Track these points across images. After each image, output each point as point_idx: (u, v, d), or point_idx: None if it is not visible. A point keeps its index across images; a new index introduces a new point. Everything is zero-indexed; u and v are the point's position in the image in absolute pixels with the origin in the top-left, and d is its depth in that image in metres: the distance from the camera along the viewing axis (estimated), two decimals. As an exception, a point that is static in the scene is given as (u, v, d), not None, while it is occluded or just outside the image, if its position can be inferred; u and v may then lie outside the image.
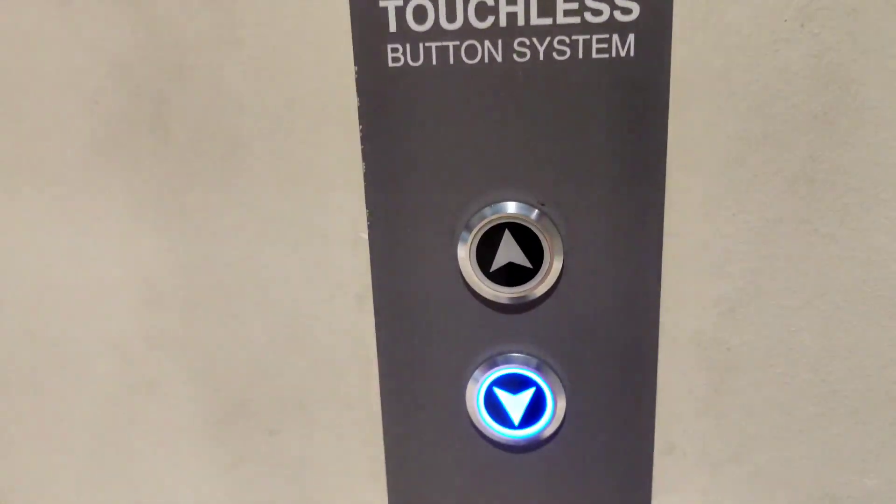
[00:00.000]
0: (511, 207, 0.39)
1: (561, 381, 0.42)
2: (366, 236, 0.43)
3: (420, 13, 0.37)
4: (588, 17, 0.36)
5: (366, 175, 0.40)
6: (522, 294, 0.40)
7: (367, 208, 0.41)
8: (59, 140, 0.45)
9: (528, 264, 0.40)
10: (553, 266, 0.40)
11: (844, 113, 0.39)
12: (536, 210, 0.39)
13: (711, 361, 0.44)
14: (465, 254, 0.40)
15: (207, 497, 0.51)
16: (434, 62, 0.38)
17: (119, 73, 0.43)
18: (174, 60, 0.42)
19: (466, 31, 0.37)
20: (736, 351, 0.43)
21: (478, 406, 0.43)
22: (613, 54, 0.37)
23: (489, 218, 0.39)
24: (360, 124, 0.40)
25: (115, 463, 0.51)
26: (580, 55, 0.37)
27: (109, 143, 0.44)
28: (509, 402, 0.43)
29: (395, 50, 0.38)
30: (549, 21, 0.37)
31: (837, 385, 0.43)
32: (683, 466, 0.46)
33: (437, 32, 0.37)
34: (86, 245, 0.47)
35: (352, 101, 0.41)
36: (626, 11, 0.36)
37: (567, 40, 0.37)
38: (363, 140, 0.40)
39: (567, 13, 0.36)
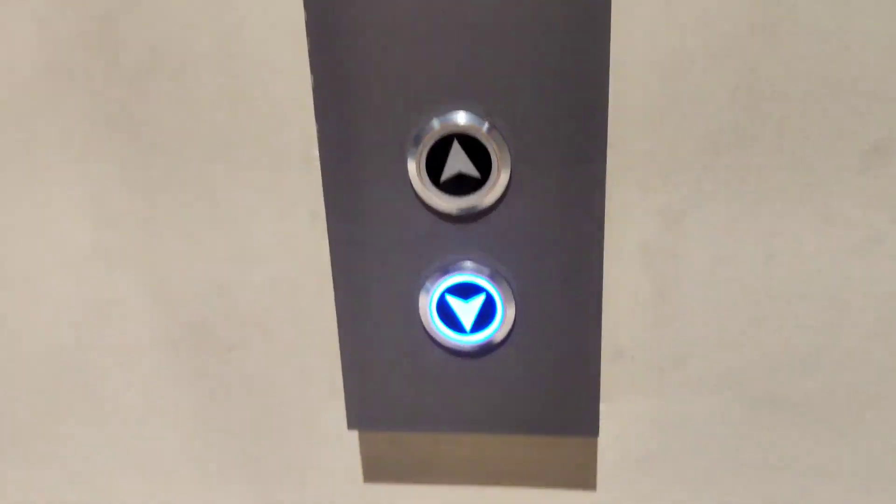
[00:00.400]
0: (459, 119, 0.40)
1: (511, 288, 0.43)
2: (317, 153, 0.44)
3: (362, -79, 0.37)
4: (530, -76, 0.37)
5: (314, 90, 0.41)
6: (472, 204, 0.41)
7: (317, 123, 0.41)
8: (7, 62, 0.45)
9: (476, 174, 0.41)
10: (501, 176, 0.41)
11: (783, 25, 0.40)
12: (484, 121, 0.40)
13: (657, 269, 0.45)
14: (414, 165, 0.41)
15: (168, 415, 0.52)
16: (379, -27, 0.38)
17: (63, -12, 0.43)
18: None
19: (410, -61, 0.37)
20: (681, 258, 0.45)
21: (430, 313, 0.44)
22: (556, -37, 0.37)
23: (438, 128, 0.40)
24: (308, 39, 0.40)
25: (76, 386, 0.52)
26: (523, -36, 0.37)
27: (58, 65, 0.44)
28: (461, 308, 0.44)
29: (339, -40, 0.38)
30: (492, -70, 0.37)
31: (779, 289, 0.45)
32: (631, 372, 0.48)
33: (380, -59, 0.37)
34: (37, 167, 0.47)
35: (299, 16, 0.41)
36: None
37: (510, -51, 0.37)
38: (311, 54, 0.40)
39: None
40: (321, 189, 0.44)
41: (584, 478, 0.51)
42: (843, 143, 0.42)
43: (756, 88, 0.41)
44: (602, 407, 0.49)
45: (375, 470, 0.52)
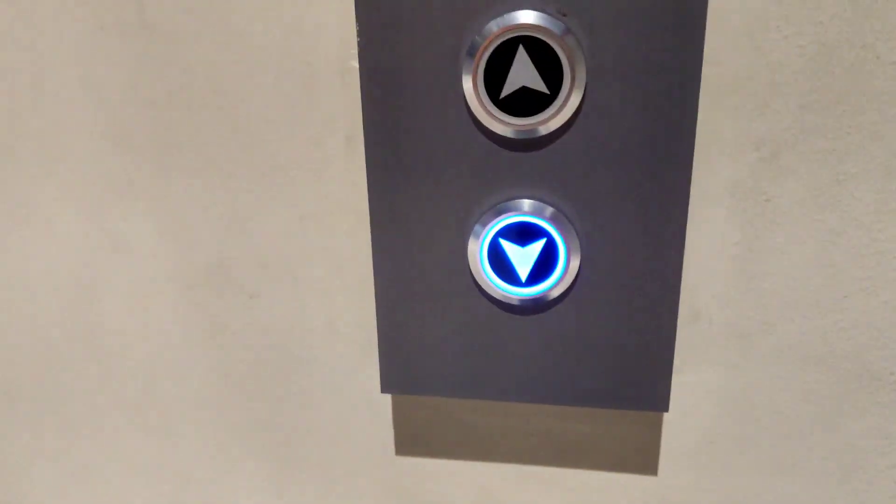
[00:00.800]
0: (526, 18, 0.33)
1: (576, 232, 0.37)
2: (356, 64, 0.38)
3: None
4: None
5: (356, -17, 0.34)
6: (536, 127, 0.35)
7: (357, 25, 0.35)
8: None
9: (544, 89, 0.34)
10: (574, 93, 0.34)
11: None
12: (557, 21, 0.33)
13: (748, 215, 0.39)
14: (470, 76, 0.34)
15: (184, 369, 0.46)
16: None
17: None
18: None
19: None
20: (776, 203, 0.38)
21: (481, 260, 0.38)
22: None
23: (501, 28, 0.33)
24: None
25: (83, 330, 0.47)
26: None
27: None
28: (516, 255, 0.38)
29: None
30: None
31: (889, 244, 0.38)
32: (707, 338, 0.41)
33: None
34: (41, 79, 0.41)
35: None
36: None
37: None
38: (353, -61, 0.34)
39: None
40: (359, 108, 0.38)
41: (645, 460, 0.45)
42: (982, 66, 0.35)
43: (882, -5, 0.34)
44: (674, 379, 0.42)
45: (409, 441, 0.46)
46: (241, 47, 0.39)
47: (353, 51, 0.38)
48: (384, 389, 0.41)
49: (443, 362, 0.40)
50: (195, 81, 0.40)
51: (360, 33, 0.35)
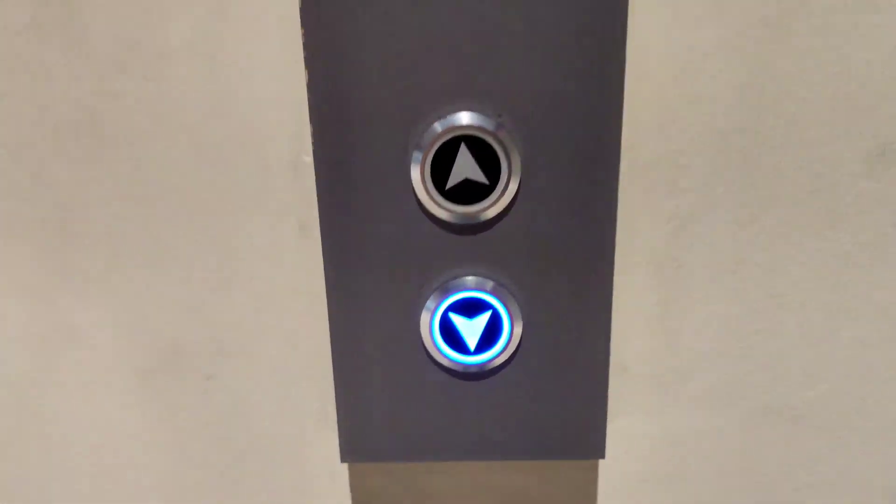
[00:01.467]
0: (465, 119, 0.37)
1: (518, 303, 0.41)
2: (309, 160, 0.41)
3: None
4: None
5: (309, 87, 0.37)
6: (478, 213, 0.39)
7: (311, 124, 0.38)
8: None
9: (484, 180, 0.38)
10: (511, 182, 0.38)
11: (794, 20, 0.39)
12: (492, 120, 0.37)
13: (663, 279, 0.43)
14: (418, 170, 0.38)
15: (140, 454, 0.47)
16: (383, -36, 0.35)
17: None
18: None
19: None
20: (687, 268, 0.43)
21: (433, 333, 0.41)
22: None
23: (445, 129, 0.37)
24: (302, 29, 0.37)
25: (33, 425, 0.47)
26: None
27: (12, 58, 0.40)
28: (465, 327, 0.41)
29: (342, -51, 0.35)
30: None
31: (782, 299, 0.44)
32: (634, 388, 0.46)
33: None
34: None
35: (294, 8, 0.38)
36: None
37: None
38: (305, 46, 0.37)
39: None
40: (311, 198, 0.41)
41: (583, 503, 0.49)
42: (850, 145, 0.41)
43: (765, 87, 0.40)
44: (609, 426, 0.46)
45: (366, 506, 0.48)
46: (193, 144, 0.41)
47: (306, 146, 0.40)
48: (344, 459, 0.44)
49: (399, 430, 0.43)
50: (148, 177, 0.41)
51: (314, 134, 0.38)
